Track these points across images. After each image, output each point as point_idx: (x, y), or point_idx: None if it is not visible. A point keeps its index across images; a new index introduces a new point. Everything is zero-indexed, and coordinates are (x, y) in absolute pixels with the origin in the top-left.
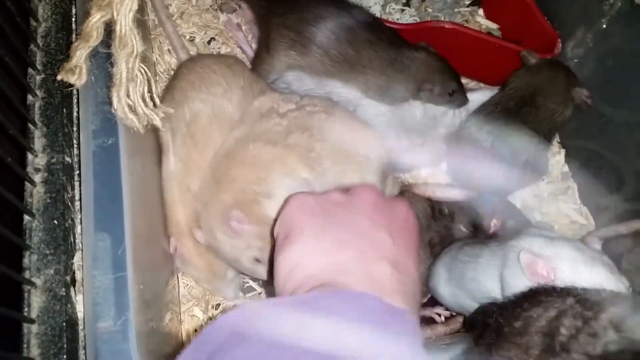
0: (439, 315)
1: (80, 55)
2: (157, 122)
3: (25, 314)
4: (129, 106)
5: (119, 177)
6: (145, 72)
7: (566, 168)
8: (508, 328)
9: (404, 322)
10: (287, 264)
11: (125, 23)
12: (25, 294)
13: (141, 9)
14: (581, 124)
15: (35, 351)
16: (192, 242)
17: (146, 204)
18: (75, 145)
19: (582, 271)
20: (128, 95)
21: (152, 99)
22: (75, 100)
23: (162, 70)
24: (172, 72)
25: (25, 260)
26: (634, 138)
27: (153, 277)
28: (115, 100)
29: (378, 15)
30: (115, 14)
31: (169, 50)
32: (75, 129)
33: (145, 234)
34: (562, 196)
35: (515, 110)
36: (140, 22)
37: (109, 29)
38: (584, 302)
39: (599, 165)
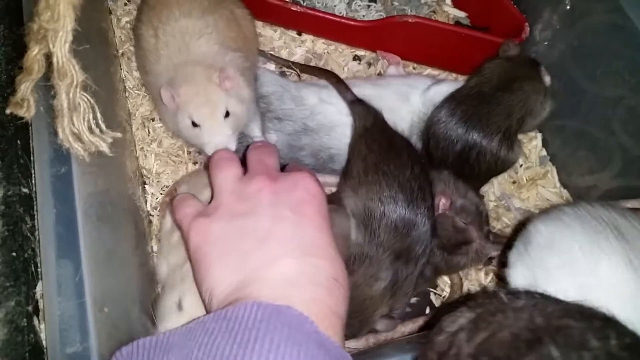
0: None
1: (25, 88)
2: (104, 148)
3: None
4: (75, 135)
5: (74, 204)
6: (87, 100)
7: (544, 152)
8: None
9: (289, 318)
10: (205, 295)
11: (61, 55)
12: None
13: (105, 30)
14: (558, 105)
15: None
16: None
17: (109, 219)
18: (33, 176)
19: None
20: (73, 124)
21: (97, 125)
22: (30, 133)
23: (131, 87)
24: (143, 88)
25: None
26: (617, 113)
27: (122, 297)
28: (59, 130)
29: (344, 13)
30: (51, 47)
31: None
32: (31, 160)
33: (109, 253)
34: (541, 180)
35: (490, 93)
36: (104, 41)
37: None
38: None
39: (580, 145)
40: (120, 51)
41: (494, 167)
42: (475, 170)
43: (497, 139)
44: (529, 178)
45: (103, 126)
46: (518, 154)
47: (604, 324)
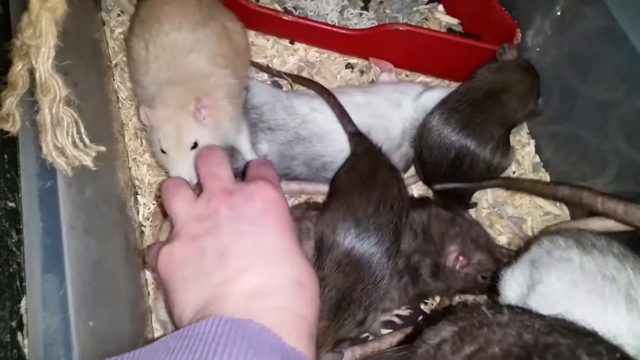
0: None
1: (10, 103)
2: (88, 162)
3: None
4: (58, 149)
5: (59, 218)
6: (71, 114)
7: (537, 158)
8: None
9: (249, 331)
10: (177, 322)
11: (44, 70)
12: None
13: (98, 41)
14: (551, 111)
15: None
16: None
17: (96, 233)
18: (19, 190)
19: None
20: (57, 139)
21: (81, 140)
22: (17, 145)
23: (124, 97)
24: (135, 99)
25: None
26: (611, 118)
27: (110, 310)
28: (43, 145)
29: (336, 21)
30: (33, 62)
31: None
32: (18, 174)
33: (96, 266)
34: None
35: (482, 100)
36: (97, 52)
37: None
38: None
39: (574, 151)
40: (114, 62)
41: (486, 173)
42: (468, 176)
43: (490, 146)
44: None
45: (87, 140)
46: (511, 160)
47: (592, 339)
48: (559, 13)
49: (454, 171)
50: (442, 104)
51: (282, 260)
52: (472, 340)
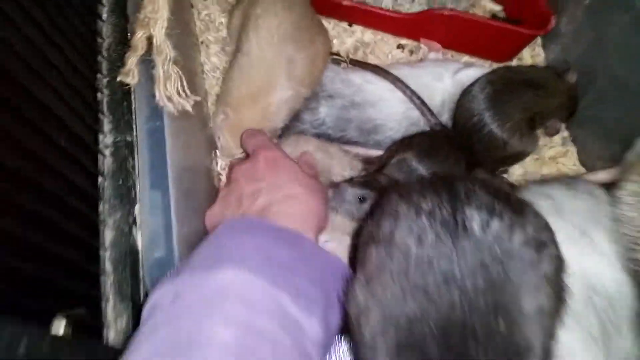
0: None
1: (131, 62)
2: (188, 107)
3: (101, 244)
4: (167, 97)
5: (165, 150)
6: (177, 71)
7: (566, 133)
8: None
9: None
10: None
11: (159, 37)
12: (101, 231)
13: (189, 20)
14: (583, 92)
15: (108, 268)
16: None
17: (189, 166)
18: (134, 128)
19: None
20: (166, 89)
21: (184, 90)
22: (133, 96)
23: (208, 69)
24: (217, 71)
25: (100, 208)
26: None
27: (196, 221)
28: (157, 93)
29: (390, 6)
30: (152, 31)
31: (215, 53)
32: (134, 116)
33: (188, 190)
34: (562, 159)
35: (517, 84)
36: (188, 30)
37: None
38: None
39: (602, 131)
40: (200, 39)
41: (501, 150)
42: (486, 147)
43: (509, 126)
44: (550, 157)
45: (188, 92)
46: (529, 146)
47: None
48: (587, 2)
49: (475, 137)
50: (485, 76)
51: (286, 196)
52: None
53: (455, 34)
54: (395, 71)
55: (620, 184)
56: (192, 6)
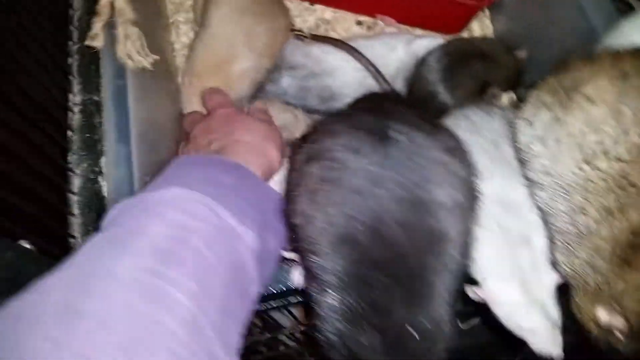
0: None
1: (97, 27)
2: (147, 65)
3: (70, 189)
4: (127, 55)
5: (128, 107)
6: (137, 32)
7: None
8: None
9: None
10: None
11: (120, 1)
12: (70, 178)
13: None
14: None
15: (76, 211)
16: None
17: (154, 123)
18: (101, 88)
19: None
20: (127, 47)
21: (144, 49)
22: (100, 59)
23: (178, 47)
24: (187, 50)
25: (69, 158)
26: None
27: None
28: (118, 51)
29: None
30: None
31: (185, 33)
32: (101, 78)
33: (152, 144)
34: None
35: (470, 56)
36: (159, 12)
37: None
38: None
39: None
40: (171, 20)
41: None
42: (437, 113)
43: (459, 94)
44: None
45: (147, 51)
46: None
47: None
48: None
49: (429, 105)
50: (441, 47)
51: (239, 132)
52: None
53: (406, 8)
54: (352, 44)
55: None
56: None
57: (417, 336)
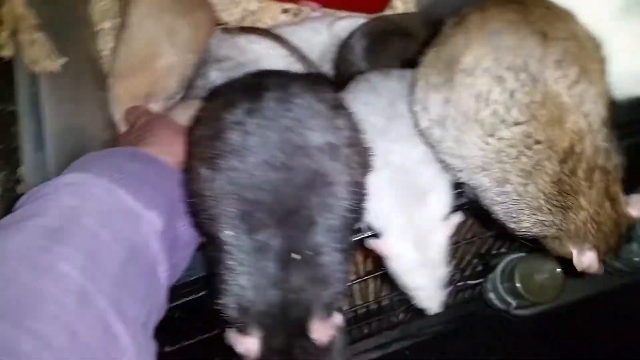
0: None
1: (3, 36)
2: (55, 69)
3: None
4: (33, 61)
5: (44, 115)
6: (42, 36)
7: None
8: None
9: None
10: None
11: (18, 6)
12: None
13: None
14: None
15: None
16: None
17: (75, 129)
18: (15, 96)
19: None
20: (33, 53)
21: (52, 54)
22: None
23: (107, 54)
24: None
25: None
26: None
27: None
28: (24, 58)
29: None
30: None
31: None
32: (14, 85)
33: (74, 150)
34: None
35: (391, 34)
36: (83, 20)
37: None
38: None
39: None
40: (98, 28)
41: None
42: None
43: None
44: None
45: (56, 55)
46: None
47: None
48: None
49: None
50: (361, 28)
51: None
52: None
53: None
54: (278, 31)
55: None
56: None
57: (299, 258)
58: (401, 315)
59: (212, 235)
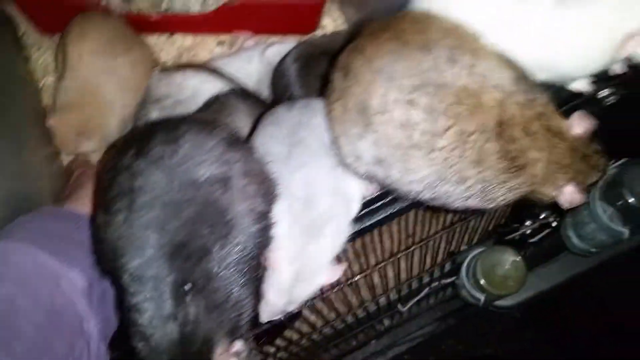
0: None
1: None
2: None
3: None
4: None
5: None
6: None
7: None
8: None
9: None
10: None
11: None
12: None
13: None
14: None
15: None
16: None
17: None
18: None
19: None
20: None
21: None
22: None
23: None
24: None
25: None
26: None
27: None
28: None
29: (198, 8)
30: None
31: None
32: None
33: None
34: None
35: (317, 56)
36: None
37: None
38: None
39: None
40: (42, 83)
41: None
42: None
43: (313, 94)
44: None
45: None
46: None
47: None
48: None
49: None
50: (291, 54)
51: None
52: None
53: (258, 19)
54: (214, 64)
55: None
56: (27, 58)
57: (189, 288)
58: (387, 322)
59: (115, 278)
